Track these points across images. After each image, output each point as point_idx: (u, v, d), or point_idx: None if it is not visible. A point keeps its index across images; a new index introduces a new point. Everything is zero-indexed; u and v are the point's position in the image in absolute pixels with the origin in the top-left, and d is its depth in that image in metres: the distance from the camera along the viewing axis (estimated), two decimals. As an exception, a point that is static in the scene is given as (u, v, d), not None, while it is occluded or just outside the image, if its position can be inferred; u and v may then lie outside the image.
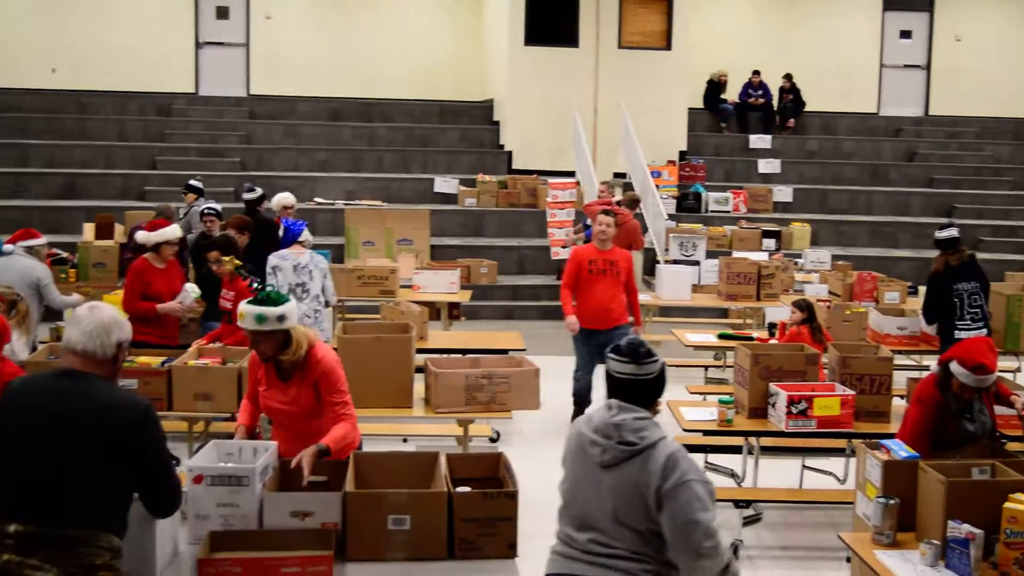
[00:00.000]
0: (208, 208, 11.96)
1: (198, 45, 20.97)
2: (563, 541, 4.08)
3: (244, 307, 5.06)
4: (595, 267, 9.14)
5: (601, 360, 7.99)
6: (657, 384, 4.02)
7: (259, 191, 11.77)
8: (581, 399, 9.52)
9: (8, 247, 9.37)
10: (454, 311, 11.99)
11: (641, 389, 4.00)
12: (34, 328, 8.81)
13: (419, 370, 7.45)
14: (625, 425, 3.90)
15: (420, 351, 8.01)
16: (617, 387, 4.03)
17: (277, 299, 5.08)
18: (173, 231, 8.64)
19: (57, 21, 20.25)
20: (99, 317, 4.00)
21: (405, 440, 9.05)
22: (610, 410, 3.98)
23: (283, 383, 5.25)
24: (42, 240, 9.57)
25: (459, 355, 8.36)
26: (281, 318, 5.05)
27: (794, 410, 6.60)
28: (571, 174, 18.39)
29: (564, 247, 15.15)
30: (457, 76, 21.31)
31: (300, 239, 9.41)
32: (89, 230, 13.83)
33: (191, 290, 8.56)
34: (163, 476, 4.01)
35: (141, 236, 8.67)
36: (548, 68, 18.82)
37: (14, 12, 20.16)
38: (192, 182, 13.59)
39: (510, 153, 19.34)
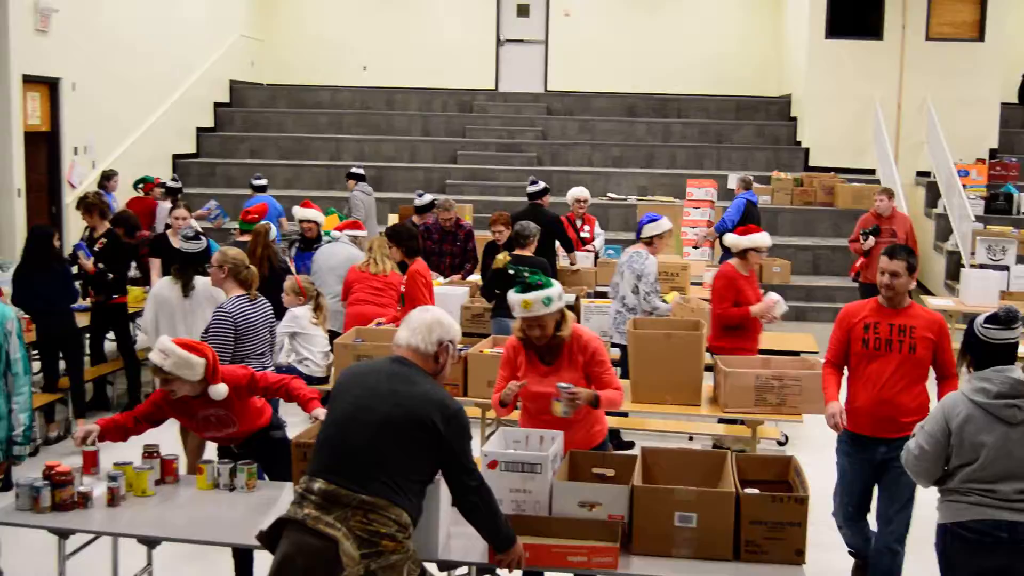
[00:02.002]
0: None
1: (499, 42, 21.60)
2: (981, 494, 4.43)
3: (525, 296, 5.13)
4: (875, 336, 5.71)
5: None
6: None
7: (542, 184, 11.68)
8: (858, 552, 6.22)
9: (335, 233, 10.11)
10: (744, 310, 11.82)
11: (1014, 351, 4.55)
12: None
13: (707, 368, 7.41)
14: None
15: (709, 349, 7.95)
16: (996, 353, 4.53)
17: (547, 281, 5.20)
18: (763, 239, 8.15)
19: (369, 21, 21.41)
20: (424, 318, 4.36)
21: (691, 438, 9.03)
22: (1005, 374, 4.46)
23: (546, 367, 5.35)
24: (364, 232, 10.33)
25: (749, 355, 8.23)
26: (560, 296, 5.21)
27: (1113, 429, 6.13)
28: (871, 172, 17.79)
29: (696, 247, 14.72)
30: (754, 70, 21.00)
31: (642, 236, 8.81)
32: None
33: (778, 299, 8.07)
34: (464, 472, 4.20)
35: (729, 239, 8.29)
36: (850, 61, 18.22)
37: (331, 14, 21.46)
38: (353, 169, 13.98)
39: (807, 150, 18.87)
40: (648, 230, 8.75)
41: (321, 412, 5.25)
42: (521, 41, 21.66)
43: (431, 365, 4.30)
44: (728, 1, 21.22)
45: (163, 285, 7.97)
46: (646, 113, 20.62)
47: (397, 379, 4.19)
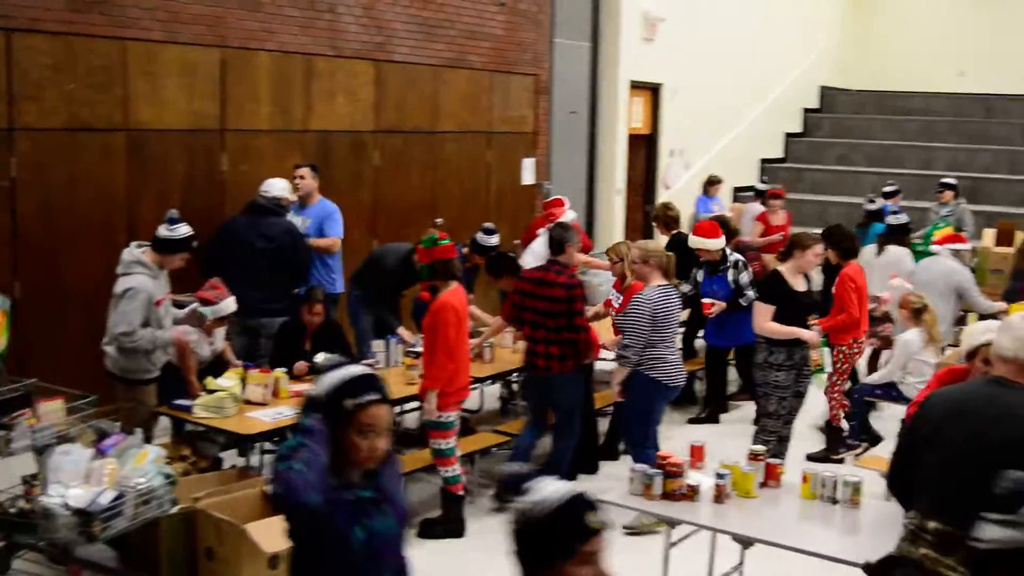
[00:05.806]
0: None
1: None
2: None
3: None
4: None
5: None
6: None
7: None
8: None
9: (935, 248, 9.66)
10: None
11: None
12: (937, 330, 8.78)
13: None
14: None
15: None
16: None
17: None
18: None
19: (967, 25, 20.21)
20: None
21: None
22: None
23: None
24: (968, 245, 9.78)
25: None
26: None
27: None
28: None
29: None
30: None
31: None
32: (989, 235, 13.65)
33: None
34: None
35: None
36: None
37: (927, 18, 20.57)
38: (949, 179, 12.80)
39: None
40: None
41: None
42: None
43: None
44: None
45: (869, 251, 10.09)
46: None
47: (997, 405, 3.70)
